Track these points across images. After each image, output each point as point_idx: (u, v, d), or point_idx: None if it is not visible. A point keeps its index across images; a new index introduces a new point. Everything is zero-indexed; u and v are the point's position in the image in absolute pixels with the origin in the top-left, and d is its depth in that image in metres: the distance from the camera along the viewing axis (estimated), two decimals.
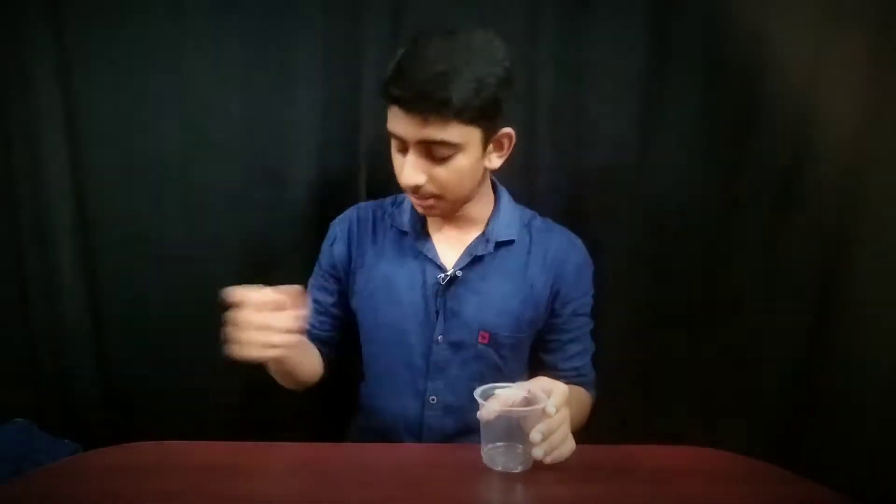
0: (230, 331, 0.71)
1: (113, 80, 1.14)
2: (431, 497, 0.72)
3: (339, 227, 1.03)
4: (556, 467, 0.75)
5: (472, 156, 0.85)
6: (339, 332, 1.04)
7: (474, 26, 0.84)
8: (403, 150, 0.86)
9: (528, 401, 0.77)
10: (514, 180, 1.19)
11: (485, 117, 0.83)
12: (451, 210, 0.93)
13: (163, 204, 1.19)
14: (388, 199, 1.05)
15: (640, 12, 1.12)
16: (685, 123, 1.15)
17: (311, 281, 1.03)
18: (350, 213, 1.04)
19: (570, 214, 1.15)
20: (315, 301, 1.00)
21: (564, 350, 1.00)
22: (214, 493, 0.71)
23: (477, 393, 0.77)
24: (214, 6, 1.12)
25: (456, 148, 0.83)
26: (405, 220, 0.98)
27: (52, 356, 1.24)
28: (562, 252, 0.99)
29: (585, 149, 1.18)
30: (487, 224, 0.97)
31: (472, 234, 0.97)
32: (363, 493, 0.73)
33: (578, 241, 1.02)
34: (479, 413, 0.76)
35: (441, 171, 0.85)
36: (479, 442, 0.79)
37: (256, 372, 1.24)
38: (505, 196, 1.01)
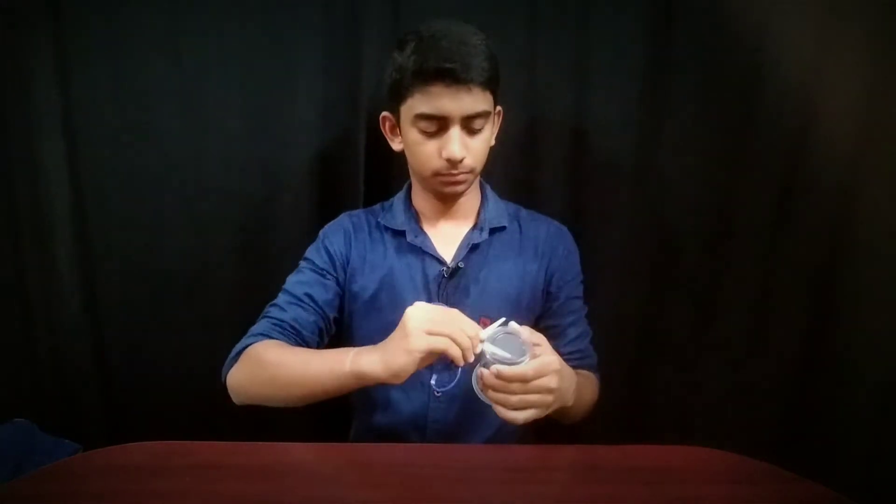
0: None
1: (112, 80, 1.14)
2: (431, 497, 0.72)
3: (331, 231, 1.01)
4: (557, 467, 0.75)
5: (491, 126, 0.93)
6: (319, 340, 0.97)
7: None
8: (436, 132, 0.88)
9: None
10: (514, 179, 1.20)
11: (497, 88, 0.91)
12: (468, 187, 0.96)
13: (162, 203, 1.19)
14: (377, 206, 1.06)
15: (640, 11, 1.12)
16: (685, 123, 1.15)
17: (300, 279, 0.97)
18: (342, 220, 1.03)
19: (570, 214, 1.15)
20: (309, 296, 0.95)
21: (565, 334, 1.02)
22: (214, 493, 0.71)
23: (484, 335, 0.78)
24: (214, 6, 1.12)
25: (488, 118, 0.90)
26: (399, 220, 1.00)
27: (52, 355, 1.24)
28: (552, 239, 1.03)
29: (585, 148, 1.18)
30: (478, 215, 1.01)
31: (465, 227, 1.01)
32: (363, 493, 0.73)
33: (564, 228, 1.06)
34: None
35: (476, 143, 0.90)
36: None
37: None
38: (489, 189, 1.05)
